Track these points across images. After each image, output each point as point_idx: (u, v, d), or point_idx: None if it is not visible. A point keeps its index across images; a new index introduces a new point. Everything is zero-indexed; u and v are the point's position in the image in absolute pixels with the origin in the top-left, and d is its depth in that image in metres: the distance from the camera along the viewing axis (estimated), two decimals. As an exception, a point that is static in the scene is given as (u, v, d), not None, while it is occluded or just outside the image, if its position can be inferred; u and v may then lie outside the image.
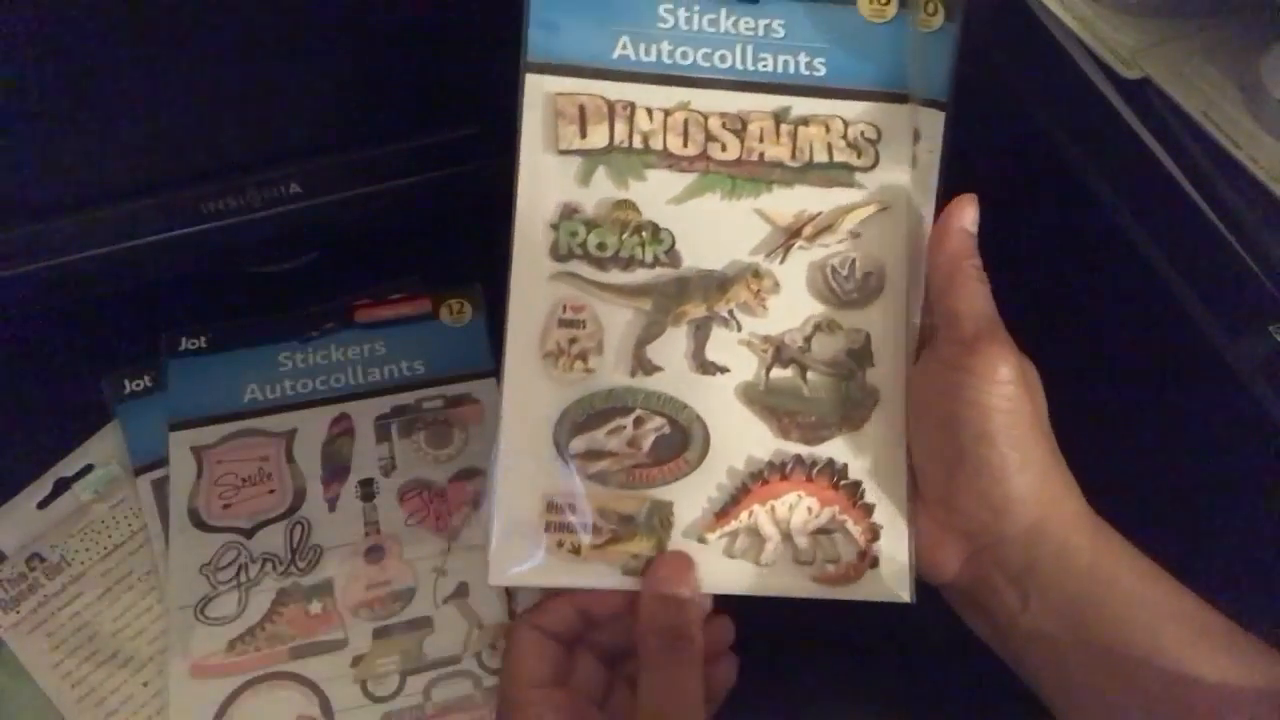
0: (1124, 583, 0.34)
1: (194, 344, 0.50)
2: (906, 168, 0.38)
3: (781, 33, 0.38)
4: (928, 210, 0.38)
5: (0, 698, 0.44)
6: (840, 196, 0.39)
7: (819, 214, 0.38)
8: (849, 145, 0.39)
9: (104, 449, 0.48)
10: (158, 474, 0.47)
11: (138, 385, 0.49)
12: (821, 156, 0.39)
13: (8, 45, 0.37)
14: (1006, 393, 0.34)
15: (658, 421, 0.38)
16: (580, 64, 0.38)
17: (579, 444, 0.37)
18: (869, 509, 0.38)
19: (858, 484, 0.38)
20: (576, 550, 0.37)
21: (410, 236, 0.52)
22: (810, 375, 0.38)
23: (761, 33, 0.38)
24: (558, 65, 0.38)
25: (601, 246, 0.38)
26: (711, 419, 0.38)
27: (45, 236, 0.42)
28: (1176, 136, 0.36)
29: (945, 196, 0.37)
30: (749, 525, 0.37)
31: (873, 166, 0.39)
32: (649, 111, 0.38)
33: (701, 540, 0.37)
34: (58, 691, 0.44)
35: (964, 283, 0.36)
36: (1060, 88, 0.39)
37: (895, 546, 0.37)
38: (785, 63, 0.38)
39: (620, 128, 0.38)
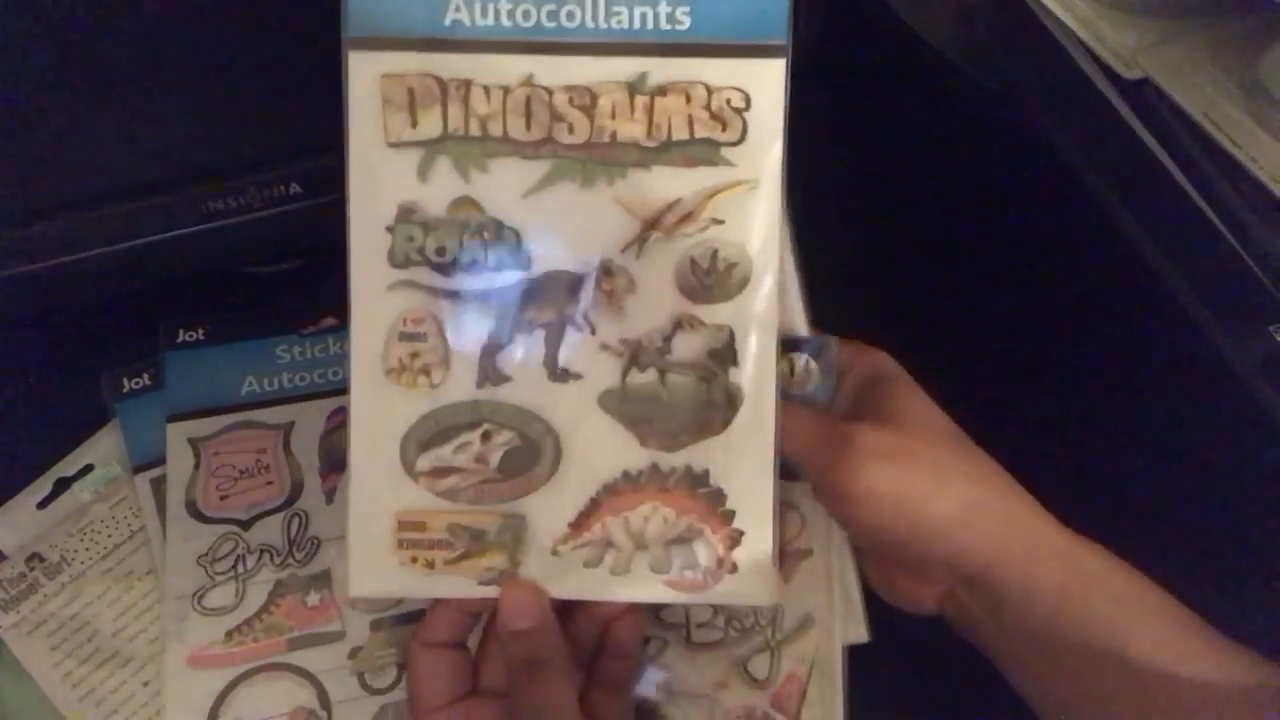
0: (1097, 606, 0.34)
1: (192, 336, 0.50)
2: (779, 138, 0.34)
3: None
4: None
5: (0, 698, 0.44)
6: (703, 178, 0.35)
7: (678, 200, 0.35)
8: (713, 117, 0.34)
9: (104, 449, 0.48)
10: (157, 473, 0.47)
11: (137, 383, 0.49)
12: (681, 133, 0.34)
13: (8, 45, 0.37)
14: (874, 500, 0.34)
15: (506, 435, 0.36)
16: (409, 35, 0.34)
17: (425, 462, 0.36)
18: (729, 515, 0.36)
19: (718, 491, 0.36)
20: (431, 565, 0.36)
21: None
22: (670, 378, 0.36)
23: None
24: (385, 39, 0.34)
25: (441, 251, 0.35)
26: (565, 429, 0.36)
27: (45, 236, 0.42)
28: (1176, 136, 0.36)
29: (945, 197, 0.37)
30: (603, 536, 0.36)
31: (739, 140, 0.34)
32: (486, 90, 0.34)
33: (555, 553, 0.36)
34: (58, 691, 0.44)
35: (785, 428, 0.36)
36: (1060, 88, 0.39)
37: (757, 550, 0.36)
38: (643, 15, 0.34)
39: (455, 112, 0.34)
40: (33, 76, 0.38)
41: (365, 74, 0.34)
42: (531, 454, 0.36)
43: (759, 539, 0.36)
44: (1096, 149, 0.39)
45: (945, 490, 0.35)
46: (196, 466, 0.47)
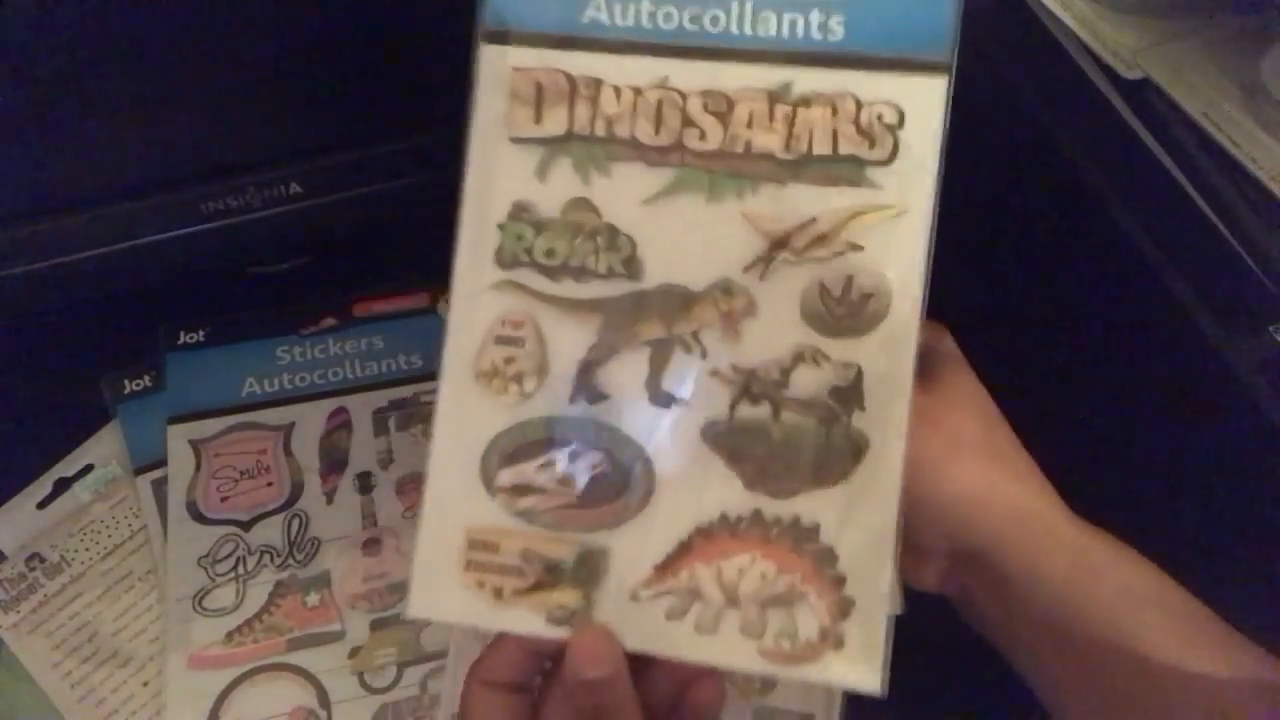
0: (1105, 593, 0.34)
1: (193, 338, 0.50)
2: (934, 163, 0.31)
3: None
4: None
5: (0, 698, 0.44)
6: (844, 198, 0.32)
7: (813, 220, 0.32)
8: (860, 132, 0.31)
9: (104, 449, 0.48)
10: (158, 474, 0.47)
11: (138, 385, 0.49)
12: (823, 148, 0.32)
13: (9, 45, 0.37)
14: None
15: (595, 458, 0.33)
16: (544, 31, 0.32)
17: (506, 477, 0.33)
18: (839, 581, 0.32)
19: (829, 550, 0.32)
20: (499, 594, 0.33)
21: (410, 234, 0.52)
22: (785, 415, 0.32)
23: None
24: (521, 33, 0.32)
25: (550, 253, 0.33)
26: (662, 459, 0.32)
27: (45, 236, 0.42)
28: (1176, 136, 0.36)
29: (943, 197, 0.37)
30: (690, 585, 0.32)
31: (889, 159, 0.31)
32: (616, 90, 0.32)
33: (635, 598, 0.32)
34: (58, 691, 0.44)
35: None
36: (1060, 88, 0.38)
37: (868, 626, 0.31)
38: (793, 23, 0.32)
39: (581, 110, 0.32)
40: (33, 77, 0.38)
41: (496, 67, 0.32)
42: (621, 482, 0.32)
43: (871, 611, 0.31)
44: (1096, 149, 0.39)
45: (956, 461, 0.34)
46: (197, 468, 0.47)
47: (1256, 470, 0.39)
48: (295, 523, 0.47)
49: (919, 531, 0.34)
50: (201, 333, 0.50)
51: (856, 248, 0.32)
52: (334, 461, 0.48)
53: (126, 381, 0.49)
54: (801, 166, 0.32)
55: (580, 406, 0.33)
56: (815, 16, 0.32)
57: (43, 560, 0.46)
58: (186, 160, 0.43)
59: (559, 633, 0.32)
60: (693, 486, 0.32)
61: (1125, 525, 0.36)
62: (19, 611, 0.45)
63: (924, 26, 0.31)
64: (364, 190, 0.46)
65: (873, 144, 0.31)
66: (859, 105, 0.31)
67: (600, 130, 0.32)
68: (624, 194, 0.33)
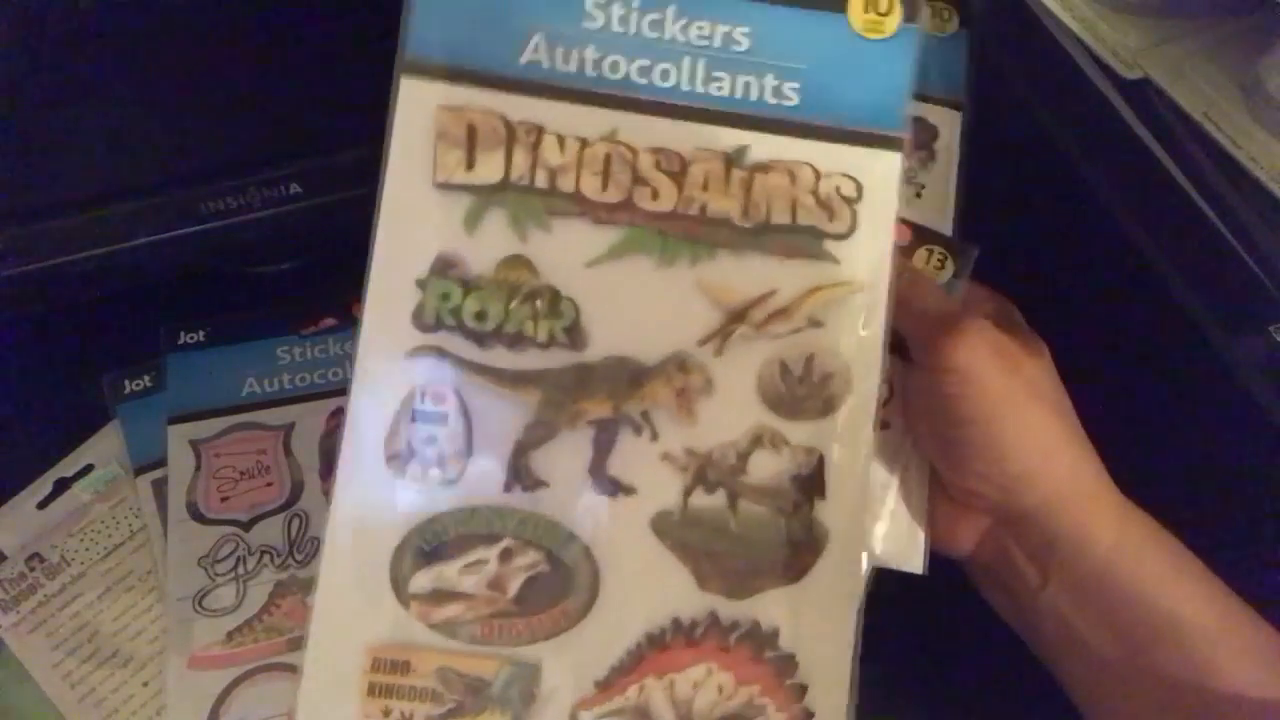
0: (1148, 567, 0.34)
1: (193, 338, 0.50)
2: (890, 237, 0.30)
3: (745, 44, 0.30)
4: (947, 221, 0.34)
5: (0, 698, 0.44)
6: (803, 271, 0.30)
7: (773, 292, 0.30)
8: (820, 204, 0.30)
9: (104, 449, 0.48)
10: (158, 474, 0.47)
11: (138, 385, 0.49)
12: (782, 217, 0.30)
13: (8, 45, 0.37)
14: (971, 377, 0.32)
15: (533, 556, 0.29)
16: (476, 69, 0.29)
17: (423, 581, 0.29)
18: (799, 691, 0.29)
19: (789, 657, 0.29)
20: None
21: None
22: (742, 505, 0.29)
23: (719, 43, 0.29)
24: (450, 69, 0.29)
25: (480, 316, 0.29)
26: (607, 556, 0.29)
27: (45, 236, 0.42)
28: (1176, 136, 0.36)
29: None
30: (638, 704, 0.29)
31: (847, 234, 0.30)
32: (560, 140, 0.29)
33: None
34: (58, 691, 0.44)
35: (901, 293, 0.33)
36: (1060, 88, 0.38)
37: None
38: (747, 85, 0.30)
39: (520, 158, 0.29)
40: (33, 77, 0.38)
41: (418, 102, 0.29)
42: (561, 584, 0.29)
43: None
44: (1096, 149, 0.39)
45: (1032, 409, 0.33)
46: (197, 468, 0.47)
47: (1256, 470, 0.39)
48: (295, 523, 0.47)
49: (978, 479, 0.34)
50: (201, 333, 0.50)
51: (816, 324, 0.30)
52: (334, 461, 0.48)
53: (126, 381, 0.49)
54: (760, 235, 0.30)
55: (514, 495, 0.29)
56: (770, 81, 0.30)
57: (43, 560, 0.46)
58: (186, 160, 0.43)
59: None
60: (642, 587, 0.29)
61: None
62: (19, 611, 0.45)
63: (880, 100, 0.30)
64: (364, 190, 0.46)
65: (832, 216, 0.30)
66: (818, 176, 0.30)
67: (541, 181, 0.29)
68: (567, 253, 0.29)
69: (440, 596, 0.29)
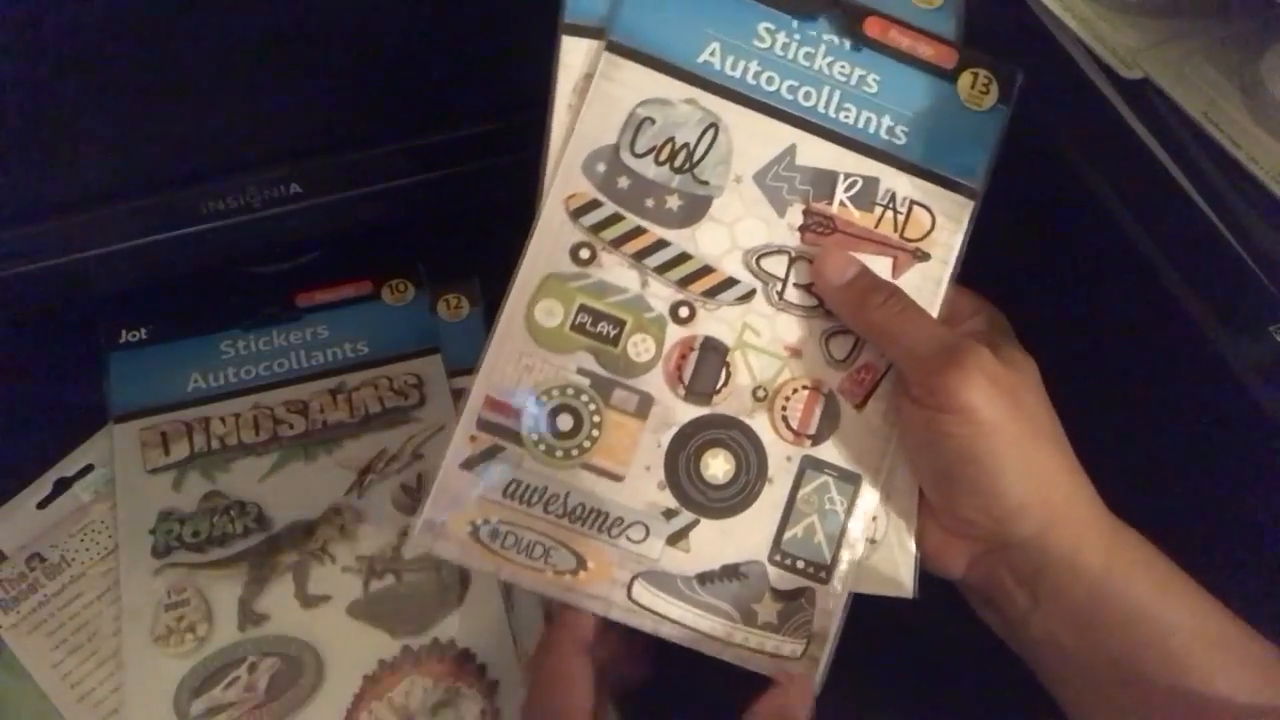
0: (1138, 589, 0.34)
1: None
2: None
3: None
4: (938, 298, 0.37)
5: (0, 698, 0.44)
6: (400, 432, 0.47)
7: (384, 449, 0.47)
8: (396, 393, 0.48)
9: (104, 449, 0.48)
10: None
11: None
12: (375, 408, 0.48)
13: (8, 45, 0.37)
14: (976, 418, 0.33)
15: (270, 661, 0.42)
16: (160, 402, 0.47)
17: (199, 706, 0.42)
18: (481, 669, 0.43)
19: (465, 651, 0.43)
20: None
21: (406, 233, 0.52)
22: (406, 577, 0.44)
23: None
24: (143, 407, 0.47)
25: (196, 534, 0.44)
26: (323, 643, 0.43)
27: (45, 236, 0.42)
28: (1176, 136, 0.36)
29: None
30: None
31: (420, 404, 0.48)
32: (222, 419, 0.47)
33: None
34: (58, 691, 0.44)
35: (890, 323, 0.35)
36: (1060, 88, 0.38)
37: (516, 692, 0.42)
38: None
39: (199, 438, 0.46)
40: (34, 77, 0.38)
41: (126, 434, 0.47)
42: (295, 671, 0.42)
43: (512, 684, 0.43)
44: (1096, 149, 0.39)
45: (1035, 445, 0.34)
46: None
47: (1257, 469, 0.39)
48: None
49: (974, 510, 0.34)
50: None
51: (419, 456, 0.47)
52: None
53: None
54: (365, 422, 0.48)
55: (248, 631, 0.43)
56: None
57: (43, 560, 0.46)
58: (186, 160, 0.43)
59: None
60: (353, 653, 0.43)
61: (1126, 524, 0.36)
62: (19, 611, 0.45)
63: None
64: (364, 190, 0.46)
65: (406, 397, 0.48)
66: (390, 381, 0.49)
67: (215, 445, 0.47)
68: (245, 478, 0.46)
69: (214, 711, 0.42)
